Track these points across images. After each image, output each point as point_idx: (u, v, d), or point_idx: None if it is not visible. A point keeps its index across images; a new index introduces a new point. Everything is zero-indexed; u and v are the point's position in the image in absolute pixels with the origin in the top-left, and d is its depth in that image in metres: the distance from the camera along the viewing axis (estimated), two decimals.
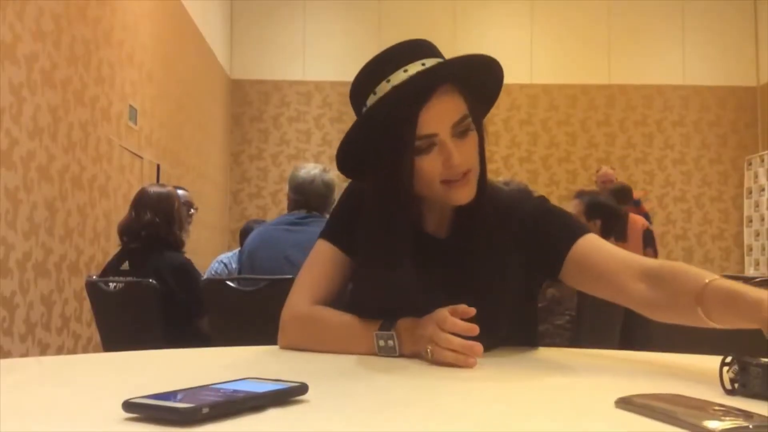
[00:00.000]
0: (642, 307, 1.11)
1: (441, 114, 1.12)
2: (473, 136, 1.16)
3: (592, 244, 1.19)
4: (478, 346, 1.00)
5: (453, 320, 1.03)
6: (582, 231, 1.21)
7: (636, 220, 5.05)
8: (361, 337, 1.14)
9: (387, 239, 1.19)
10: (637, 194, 6.11)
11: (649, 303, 1.10)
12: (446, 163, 1.12)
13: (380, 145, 1.15)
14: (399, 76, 1.14)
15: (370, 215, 1.22)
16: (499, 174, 8.72)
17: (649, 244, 5.14)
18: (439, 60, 1.18)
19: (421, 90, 1.12)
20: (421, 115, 1.11)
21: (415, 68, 1.14)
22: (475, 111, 1.17)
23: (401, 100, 1.12)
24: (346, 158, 1.21)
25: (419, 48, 1.19)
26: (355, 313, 1.20)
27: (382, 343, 1.10)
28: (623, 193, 5.32)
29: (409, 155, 1.13)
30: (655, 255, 5.30)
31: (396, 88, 1.13)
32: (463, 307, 1.05)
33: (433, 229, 1.27)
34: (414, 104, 1.12)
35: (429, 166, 1.13)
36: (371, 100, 1.17)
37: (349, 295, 1.31)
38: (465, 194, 1.16)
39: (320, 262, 1.30)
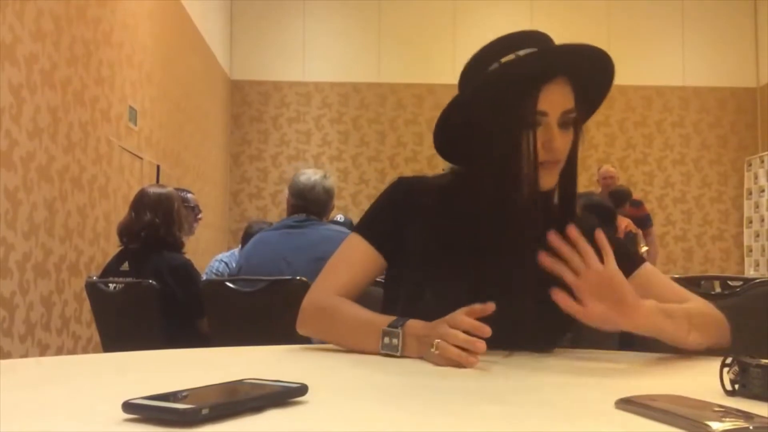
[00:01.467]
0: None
1: (557, 97, 1.18)
2: (571, 133, 1.22)
3: (652, 274, 1.28)
4: (481, 344, 1.00)
5: (464, 318, 1.03)
6: (641, 261, 1.30)
7: (620, 221, 5.07)
8: (369, 334, 1.13)
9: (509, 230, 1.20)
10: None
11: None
12: (547, 144, 1.18)
13: (497, 116, 1.18)
14: (511, 58, 1.19)
15: (473, 204, 1.23)
16: None
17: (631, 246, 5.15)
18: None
19: (546, 68, 1.18)
20: (541, 91, 1.16)
21: (527, 52, 1.19)
22: (578, 109, 1.21)
23: (528, 71, 1.17)
24: (444, 135, 1.26)
25: (532, 35, 1.23)
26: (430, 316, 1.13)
27: (387, 340, 1.10)
28: (620, 195, 5.38)
29: (531, 124, 1.17)
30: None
31: (522, 60, 1.18)
32: (479, 306, 1.04)
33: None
34: (539, 79, 1.17)
35: (532, 143, 1.17)
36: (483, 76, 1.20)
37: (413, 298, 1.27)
38: (550, 179, 1.21)
39: (350, 256, 1.29)
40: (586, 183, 9.02)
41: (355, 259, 1.28)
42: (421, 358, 1.06)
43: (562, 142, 1.19)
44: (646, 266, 1.28)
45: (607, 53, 1.23)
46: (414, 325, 1.10)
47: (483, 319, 1.04)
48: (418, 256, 1.26)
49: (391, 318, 1.13)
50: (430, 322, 1.08)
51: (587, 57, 1.22)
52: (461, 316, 1.04)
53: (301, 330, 1.27)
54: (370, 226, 1.31)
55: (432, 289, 1.23)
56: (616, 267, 1.06)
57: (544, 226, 1.14)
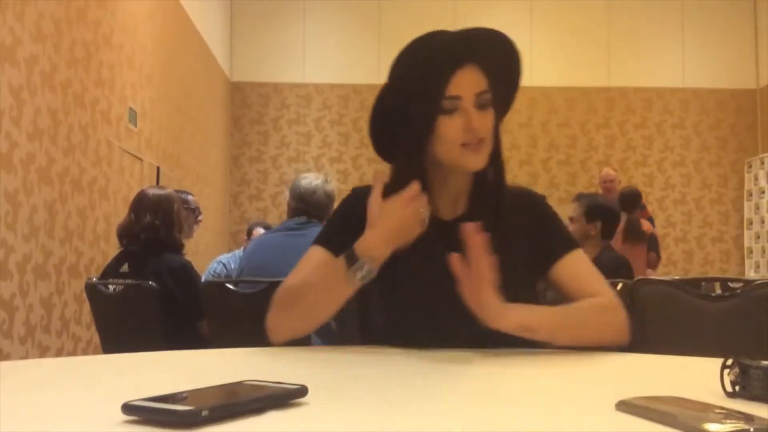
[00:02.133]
0: None
1: (467, 81, 1.27)
2: (491, 113, 1.29)
3: (578, 262, 1.34)
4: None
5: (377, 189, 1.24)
6: (575, 245, 1.36)
7: (645, 226, 5.06)
8: (336, 278, 1.22)
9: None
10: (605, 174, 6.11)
11: None
12: (466, 125, 1.25)
13: (411, 104, 1.28)
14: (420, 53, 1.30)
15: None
16: None
17: (652, 248, 5.15)
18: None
19: (453, 55, 1.27)
20: (451, 79, 1.25)
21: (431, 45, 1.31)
22: (493, 92, 1.29)
23: (435, 62, 1.27)
24: (378, 127, 1.37)
25: (438, 33, 1.32)
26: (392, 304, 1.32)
27: (358, 275, 1.19)
28: (633, 198, 5.24)
29: (438, 112, 1.26)
30: (658, 259, 5.31)
31: (431, 51, 1.29)
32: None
33: (443, 213, 1.36)
34: (446, 67, 1.26)
35: (451, 127, 1.26)
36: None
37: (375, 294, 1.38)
38: (478, 160, 1.28)
39: (310, 265, 1.34)
40: (586, 185, 9.03)
41: (315, 266, 1.34)
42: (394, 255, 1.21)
43: (480, 121, 1.26)
44: (575, 253, 1.34)
45: (506, 37, 1.33)
46: (361, 242, 1.21)
47: (449, 320, 1.19)
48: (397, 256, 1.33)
49: (342, 258, 1.22)
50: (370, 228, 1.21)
51: (489, 42, 1.33)
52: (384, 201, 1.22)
53: (272, 322, 1.29)
54: (327, 237, 1.38)
55: (395, 290, 1.31)
56: (485, 267, 1.11)
57: (477, 212, 1.29)
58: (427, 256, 1.26)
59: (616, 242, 4.63)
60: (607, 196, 5.60)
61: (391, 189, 1.27)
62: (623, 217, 4.77)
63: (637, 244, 4.79)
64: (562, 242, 1.36)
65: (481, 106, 1.27)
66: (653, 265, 5.22)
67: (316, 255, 1.35)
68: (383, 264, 1.25)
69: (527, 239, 1.34)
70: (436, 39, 1.30)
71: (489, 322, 1.12)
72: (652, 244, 5.16)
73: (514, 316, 1.14)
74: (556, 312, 1.23)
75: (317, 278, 1.27)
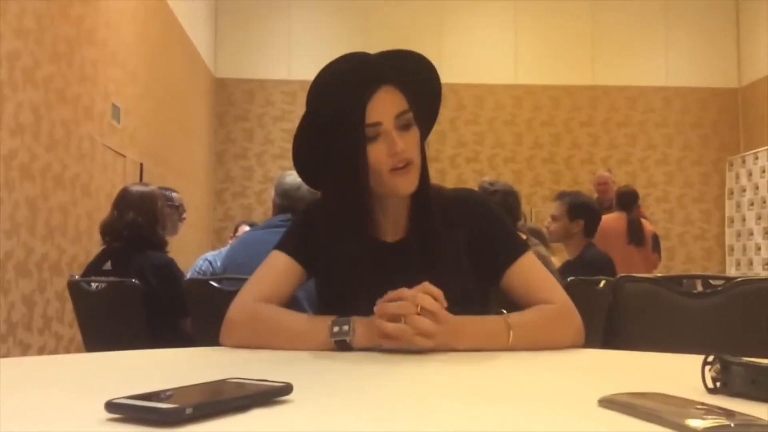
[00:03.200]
0: None
1: (385, 105, 1.24)
2: (415, 132, 1.27)
3: (528, 267, 1.32)
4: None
5: (386, 305, 1.10)
6: (523, 249, 1.33)
7: (647, 226, 5.01)
8: (316, 328, 1.17)
9: (346, 246, 1.30)
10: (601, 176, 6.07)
11: None
12: (390, 149, 1.23)
13: (333, 135, 1.26)
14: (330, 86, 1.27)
15: (328, 224, 1.32)
16: (484, 174, 8.74)
17: (656, 248, 5.10)
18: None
19: (366, 80, 1.24)
20: (368, 105, 1.23)
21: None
22: (415, 109, 1.27)
23: (349, 89, 1.24)
24: (302, 159, 1.34)
25: (347, 57, 1.29)
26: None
27: (336, 329, 1.14)
28: (630, 198, 5.17)
29: (362, 141, 1.23)
30: (659, 259, 5.27)
31: (344, 77, 1.25)
32: (398, 291, 1.11)
33: (386, 236, 1.34)
34: (361, 94, 1.23)
35: (376, 153, 1.23)
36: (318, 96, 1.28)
37: (316, 299, 1.39)
38: (408, 183, 1.26)
39: (270, 270, 1.34)
40: (570, 183, 9.07)
41: (276, 270, 1.34)
42: (369, 349, 1.11)
43: (404, 142, 1.23)
44: (525, 258, 1.32)
45: (419, 54, 1.31)
46: (360, 317, 1.15)
47: None
48: (325, 273, 1.35)
49: (330, 317, 1.18)
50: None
51: (402, 60, 1.30)
52: (385, 303, 1.11)
53: (228, 341, 1.25)
54: (287, 242, 1.38)
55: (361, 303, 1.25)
56: (422, 295, 1.10)
57: (417, 233, 1.29)
58: (372, 280, 1.24)
59: (620, 244, 4.58)
60: (602, 198, 5.56)
61: (324, 217, 1.33)
62: (623, 218, 4.75)
63: (642, 244, 4.76)
64: (510, 248, 1.33)
65: (403, 127, 1.24)
66: (655, 264, 5.15)
67: (279, 261, 1.34)
68: (327, 287, 1.32)
69: (474, 246, 1.32)
70: (348, 63, 1.26)
71: (444, 347, 1.11)
72: (656, 244, 5.10)
73: (469, 335, 1.15)
74: (520, 317, 1.22)
75: (290, 326, 1.22)
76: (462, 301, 1.18)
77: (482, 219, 1.35)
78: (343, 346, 1.13)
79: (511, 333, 1.17)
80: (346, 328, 1.13)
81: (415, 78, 1.31)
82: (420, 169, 1.27)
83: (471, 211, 1.35)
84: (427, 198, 1.31)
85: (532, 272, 1.31)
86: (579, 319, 1.28)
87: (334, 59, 1.27)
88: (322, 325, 1.16)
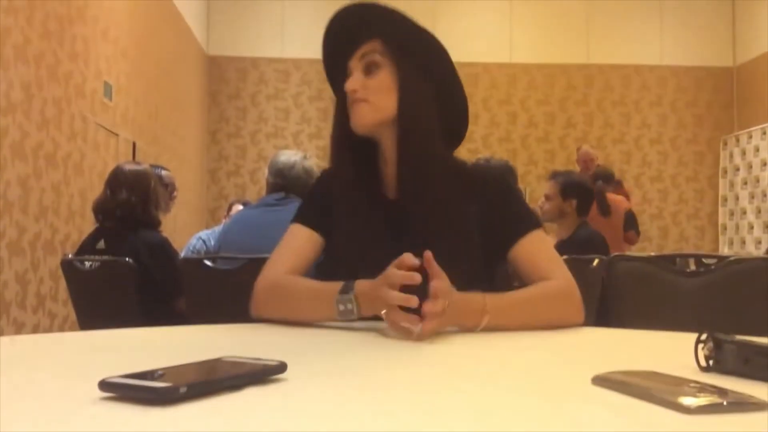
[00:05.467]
0: None
1: (360, 51, 1.32)
2: (381, 76, 1.30)
3: (535, 244, 1.31)
4: (414, 299, 1.02)
5: (395, 272, 1.05)
6: (534, 226, 1.33)
7: (619, 201, 5.07)
8: (322, 302, 1.17)
9: (353, 200, 1.34)
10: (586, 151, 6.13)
11: None
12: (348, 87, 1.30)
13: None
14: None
15: (339, 186, 1.37)
16: (479, 153, 8.73)
17: (631, 226, 5.17)
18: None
19: (357, 34, 1.32)
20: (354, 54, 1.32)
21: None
22: (396, 58, 1.31)
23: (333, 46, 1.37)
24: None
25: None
26: (329, 278, 1.24)
27: (341, 307, 1.14)
28: (605, 176, 5.41)
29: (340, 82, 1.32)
30: (637, 236, 5.35)
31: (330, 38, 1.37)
32: (406, 258, 1.06)
33: (388, 192, 1.38)
34: (342, 50, 1.34)
35: (342, 93, 1.32)
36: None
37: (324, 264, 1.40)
38: (354, 118, 1.31)
39: (293, 241, 1.38)
40: (564, 162, 9.07)
41: (297, 243, 1.37)
42: (376, 317, 1.10)
43: (354, 81, 1.29)
44: (533, 234, 1.31)
45: (401, 12, 1.31)
46: (361, 286, 1.13)
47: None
48: (344, 237, 1.35)
49: (340, 284, 1.16)
50: (374, 280, 1.10)
51: (386, 15, 1.31)
52: (393, 270, 1.06)
53: (257, 312, 1.29)
54: (304, 214, 1.42)
55: (360, 263, 1.24)
56: (437, 286, 1.05)
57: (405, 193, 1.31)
58: (376, 236, 1.28)
59: (591, 214, 4.65)
60: (582, 173, 5.61)
61: (334, 182, 1.38)
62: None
63: (609, 216, 4.83)
64: (520, 223, 1.33)
65: (365, 69, 1.30)
66: (632, 241, 5.26)
67: (299, 232, 1.38)
68: (331, 244, 1.34)
69: (485, 220, 1.31)
70: (336, 23, 1.35)
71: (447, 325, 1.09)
72: (630, 220, 5.18)
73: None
74: (509, 297, 1.20)
75: (304, 299, 1.23)
76: (465, 275, 1.15)
77: (496, 192, 1.36)
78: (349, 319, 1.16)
79: (486, 317, 1.12)
80: (350, 306, 1.13)
81: (399, 30, 1.32)
82: (383, 111, 1.30)
83: (487, 184, 1.37)
84: (416, 159, 1.29)
85: (540, 249, 1.32)
86: (579, 298, 1.27)
87: (331, 17, 1.35)
88: (328, 298, 1.16)
